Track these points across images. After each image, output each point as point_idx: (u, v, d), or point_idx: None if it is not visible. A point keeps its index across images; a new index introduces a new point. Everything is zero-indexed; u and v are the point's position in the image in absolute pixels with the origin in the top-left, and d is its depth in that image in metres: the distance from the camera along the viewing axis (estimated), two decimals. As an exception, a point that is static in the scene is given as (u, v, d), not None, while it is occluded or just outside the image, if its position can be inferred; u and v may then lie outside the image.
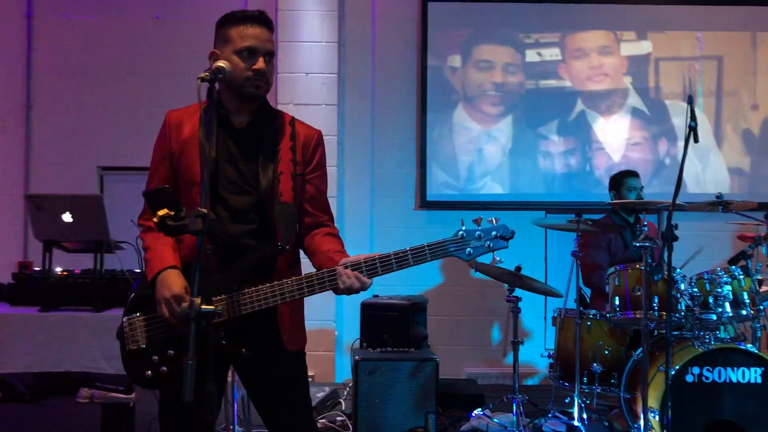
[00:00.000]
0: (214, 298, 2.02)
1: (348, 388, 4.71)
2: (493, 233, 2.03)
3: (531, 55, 5.81)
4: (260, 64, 2.13)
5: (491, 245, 2.03)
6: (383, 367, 3.91)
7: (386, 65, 5.79)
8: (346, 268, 2.06)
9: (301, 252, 2.32)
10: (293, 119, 2.31)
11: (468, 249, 2.03)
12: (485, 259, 2.14)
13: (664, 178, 5.74)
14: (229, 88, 2.17)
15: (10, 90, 5.78)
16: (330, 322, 5.43)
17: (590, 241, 4.53)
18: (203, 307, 1.80)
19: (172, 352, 2.09)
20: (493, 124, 5.79)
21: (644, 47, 5.83)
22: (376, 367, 3.91)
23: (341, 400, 4.68)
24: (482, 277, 4.41)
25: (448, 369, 5.47)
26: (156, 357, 2.09)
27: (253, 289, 2.08)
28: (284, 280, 2.09)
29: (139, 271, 3.64)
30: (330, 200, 5.71)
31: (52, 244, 3.43)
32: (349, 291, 2.06)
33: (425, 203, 5.76)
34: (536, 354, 5.10)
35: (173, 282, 2.06)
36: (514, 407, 3.95)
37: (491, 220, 2.05)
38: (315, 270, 2.14)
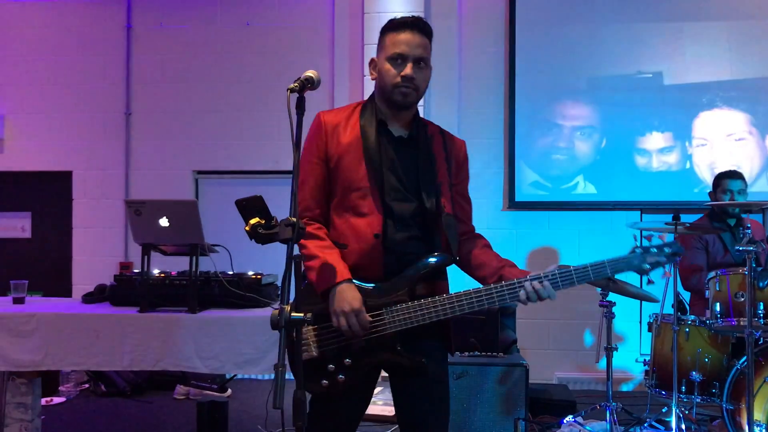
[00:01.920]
0: (390, 308, 2.09)
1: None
2: (667, 250, 2.11)
3: (625, 48, 5.60)
4: (407, 70, 2.12)
5: (665, 261, 2.11)
6: (471, 372, 3.87)
7: (472, 64, 5.73)
8: (533, 280, 2.08)
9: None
10: (442, 129, 2.31)
11: (645, 265, 2.09)
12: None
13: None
14: (382, 96, 2.19)
15: (111, 99, 6.08)
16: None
17: (688, 242, 4.33)
18: (293, 314, 1.82)
19: (349, 361, 2.11)
20: (585, 121, 5.63)
21: (751, 36, 5.52)
22: (465, 371, 3.87)
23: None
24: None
25: (539, 373, 5.38)
26: (332, 366, 2.11)
27: (430, 300, 2.09)
28: (460, 292, 2.10)
29: (232, 273, 3.73)
30: (417, 201, 5.69)
31: (150, 247, 3.54)
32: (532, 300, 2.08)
33: (514, 204, 5.67)
34: (631, 359, 4.93)
35: (352, 296, 2.07)
36: (608, 415, 3.82)
37: (662, 237, 2.27)
38: (480, 283, 2.15)
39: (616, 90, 5.61)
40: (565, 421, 4.10)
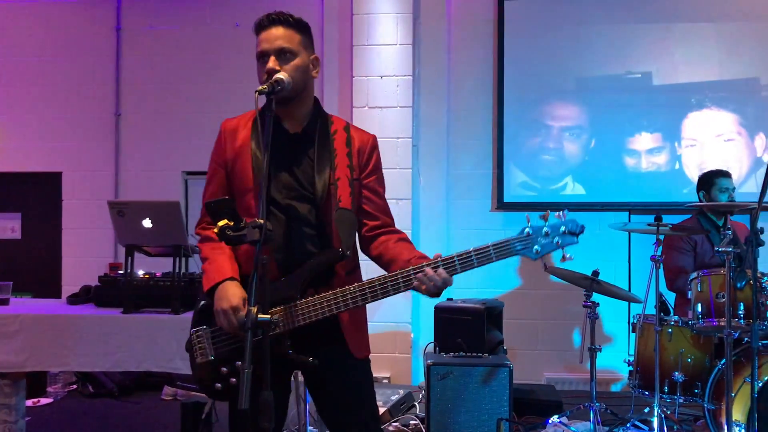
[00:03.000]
0: (276, 308, 2.07)
1: (423, 392, 4.69)
2: (562, 229, 1.93)
3: (614, 49, 5.62)
4: (269, 63, 2.11)
5: (560, 241, 1.94)
6: (455, 372, 3.87)
7: (461, 66, 5.74)
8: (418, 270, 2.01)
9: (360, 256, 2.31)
10: (348, 125, 2.30)
11: (536, 247, 1.94)
12: (556, 256, 2.01)
13: (762, 177, 5.44)
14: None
15: (101, 99, 6.09)
16: (406, 324, 5.43)
17: (674, 243, 4.34)
18: (260, 316, 1.83)
19: (240, 363, 2.06)
20: (574, 122, 5.64)
21: (740, 37, 5.54)
22: (449, 371, 3.87)
23: (416, 404, 4.67)
24: (561, 281, 4.31)
25: (527, 374, 5.39)
26: (225, 369, 2.11)
27: (316, 296, 2.07)
28: (347, 287, 2.07)
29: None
30: (404, 202, 5.73)
31: (134, 248, 3.56)
32: (434, 290, 2.01)
33: (502, 204, 5.68)
34: (619, 360, 4.94)
35: (231, 293, 2.07)
36: (591, 416, 3.83)
37: (559, 215, 1.95)
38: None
39: (605, 91, 5.62)
40: (550, 421, 4.11)
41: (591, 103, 5.63)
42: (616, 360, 5.18)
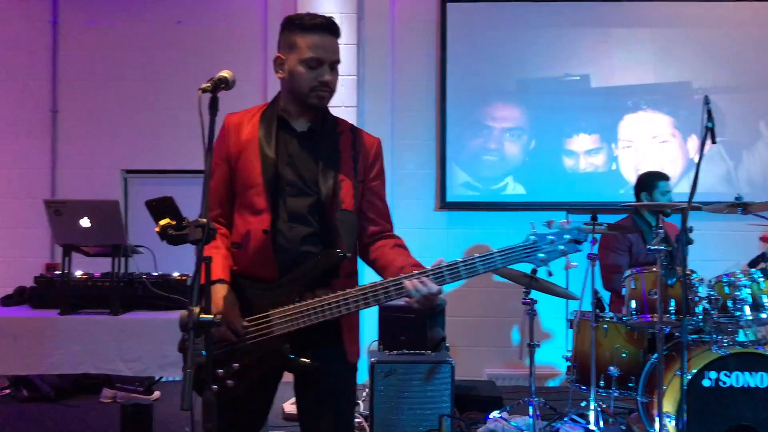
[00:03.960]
0: (275, 309, 2.05)
1: (367, 390, 4.72)
2: (566, 237, 1.94)
3: (553, 53, 5.75)
4: (327, 76, 2.12)
5: (565, 249, 1.95)
6: (398, 370, 3.91)
7: (406, 66, 5.80)
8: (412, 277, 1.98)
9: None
10: (353, 126, 2.30)
11: (540, 255, 1.95)
12: (559, 263, 1.99)
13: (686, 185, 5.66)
14: (292, 95, 2.17)
15: (37, 96, 5.91)
16: (350, 323, 5.44)
17: (610, 243, 4.48)
18: (202, 316, 1.82)
19: (237, 365, 2.06)
20: (515, 123, 5.76)
21: (674, 42, 5.74)
22: (392, 369, 3.92)
23: (359, 402, 4.69)
24: (501, 278, 4.40)
25: (469, 371, 5.48)
26: (221, 371, 2.05)
27: (317, 299, 2.05)
28: (348, 290, 2.04)
29: (156, 274, 3.69)
30: (350, 202, 5.69)
31: (72, 248, 3.49)
32: (426, 301, 1.97)
33: (445, 204, 5.76)
34: (558, 356, 5.07)
35: (217, 297, 2.03)
36: (531, 410, 3.93)
37: (564, 223, 1.95)
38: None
39: (545, 92, 5.75)
40: (490, 416, 4.19)
41: (531, 104, 5.75)
42: (554, 356, 5.31)
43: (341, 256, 2.10)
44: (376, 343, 4.44)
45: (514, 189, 5.75)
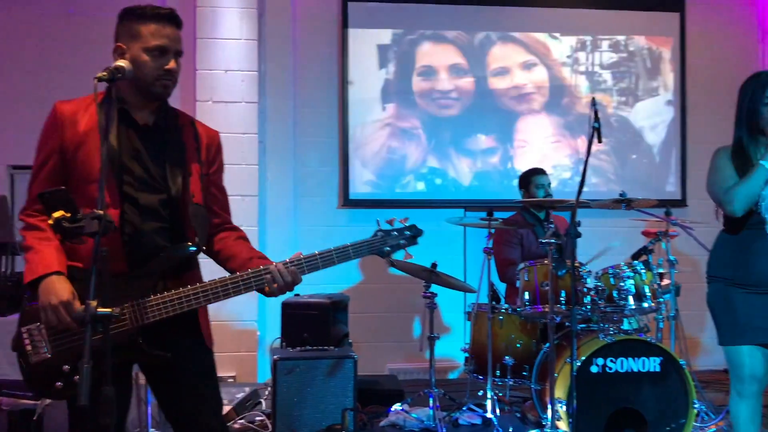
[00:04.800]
0: (127, 303, 2.04)
1: (269, 388, 4.70)
2: (406, 233, 2.25)
3: (452, 55, 5.91)
4: (172, 64, 2.14)
5: (404, 243, 2.25)
6: (301, 366, 3.92)
7: (307, 63, 5.80)
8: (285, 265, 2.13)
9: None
10: (193, 120, 2.31)
11: (386, 248, 2.23)
12: (398, 255, 2.32)
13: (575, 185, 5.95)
14: (134, 85, 2.14)
15: None
16: (252, 322, 5.40)
17: (503, 237, 4.66)
18: (99, 310, 1.78)
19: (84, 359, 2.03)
20: (416, 122, 5.87)
21: (568, 47, 6.02)
22: (295, 366, 3.92)
23: (262, 400, 4.66)
24: (403, 274, 4.49)
25: (372, 366, 5.54)
26: (67, 366, 2.02)
27: (174, 292, 2.08)
28: (206, 282, 2.12)
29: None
30: (251, 199, 5.69)
31: (-46, 246, 3.31)
32: (284, 288, 2.13)
33: (348, 202, 5.80)
34: (457, 348, 5.21)
35: (60, 287, 1.99)
36: (431, 401, 4.03)
37: (403, 221, 2.26)
38: (229, 274, 2.17)
39: (444, 93, 5.89)
40: (392, 409, 4.27)
41: (431, 104, 5.88)
42: (454, 348, 5.45)
43: (195, 250, 2.17)
44: (279, 340, 4.43)
45: (415, 187, 5.86)
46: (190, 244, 2.16)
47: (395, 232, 2.24)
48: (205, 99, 5.34)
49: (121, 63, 2.05)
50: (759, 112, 2.74)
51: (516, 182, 5.74)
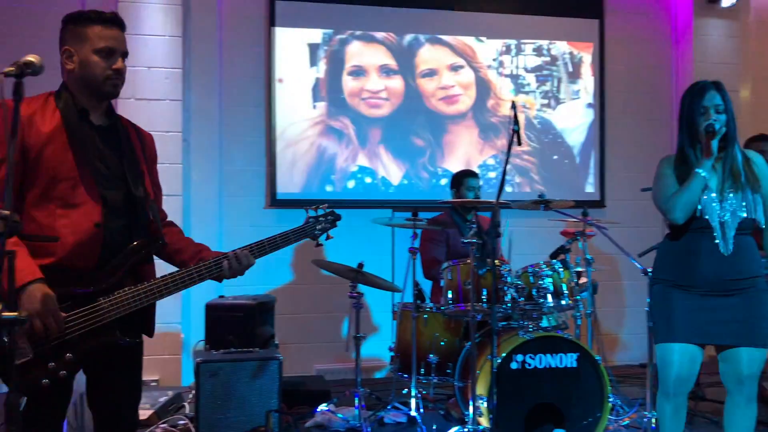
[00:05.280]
0: (101, 298, 2.16)
1: (193, 392, 4.62)
2: (330, 217, 2.59)
3: (381, 55, 5.95)
4: (119, 63, 2.25)
5: (329, 226, 2.58)
6: (226, 369, 3.88)
7: (234, 61, 5.73)
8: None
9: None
10: (131, 122, 2.45)
11: (316, 231, 2.55)
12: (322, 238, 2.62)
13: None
14: (84, 86, 2.24)
15: None
16: (176, 324, 5.30)
17: (430, 236, 4.72)
18: (4, 314, 1.73)
19: (71, 355, 2.11)
20: (348, 121, 5.87)
21: (493, 51, 6.14)
22: (219, 368, 3.87)
23: (185, 404, 4.58)
24: (331, 274, 4.49)
25: (299, 367, 5.53)
26: (53, 363, 2.09)
27: (140, 286, 2.22)
28: (166, 275, 2.27)
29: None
30: (175, 198, 5.59)
31: None
32: (241, 271, 2.35)
33: (275, 202, 5.75)
34: (385, 347, 5.25)
35: (45, 295, 2.06)
36: (356, 401, 4.05)
37: (324, 207, 2.61)
38: (180, 267, 2.34)
39: (375, 93, 5.92)
40: (318, 409, 4.27)
41: (362, 104, 5.90)
42: (381, 348, 5.48)
43: (161, 244, 2.33)
44: (203, 343, 4.36)
45: (345, 186, 5.87)
46: (158, 238, 2.31)
47: (321, 218, 2.56)
48: (127, 96, 5.21)
49: (31, 58, 1.98)
50: (695, 122, 2.83)
51: (445, 182, 5.86)
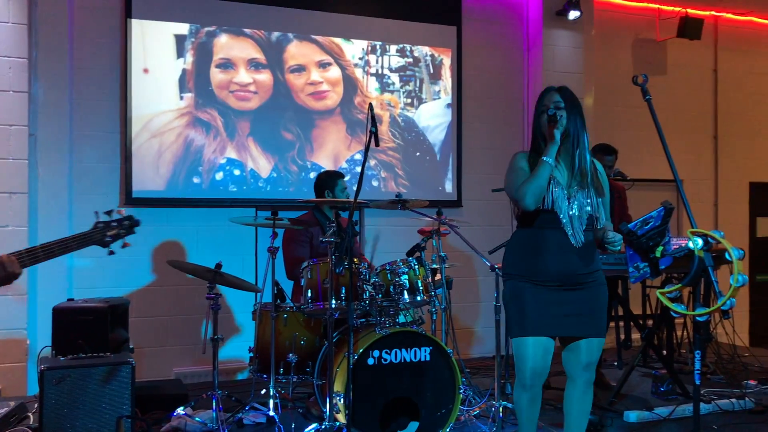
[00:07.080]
0: None
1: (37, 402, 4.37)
2: (125, 223, 2.47)
3: (249, 49, 5.87)
4: None
5: (123, 233, 2.47)
6: (73, 375, 3.69)
7: (86, 53, 5.45)
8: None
9: None
10: None
11: (106, 238, 2.41)
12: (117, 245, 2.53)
13: (366, 180, 6.18)
14: None
15: None
16: (21, 330, 4.97)
17: (293, 236, 4.72)
18: None
19: None
20: (215, 113, 5.75)
21: (360, 49, 6.22)
22: (65, 375, 3.68)
23: (29, 414, 4.32)
24: (188, 276, 4.38)
25: (157, 370, 5.36)
26: None
27: None
28: None
29: None
30: (19, 196, 5.28)
31: None
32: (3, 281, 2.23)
33: (131, 200, 5.53)
34: (245, 349, 5.18)
35: None
36: (214, 403, 3.98)
37: (120, 212, 2.48)
38: None
39: (244, 86, 5.84)
40: (175, 413, 4.16)
41: (230, 96, 5.80)
42: (243, 349, 5.40)
43: None
44: (49, 349, 4.14)
45: (213, 178, 5.74)
46: None
47: (114, 223, 2.43)
48: (-35, 86, 4.85)
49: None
50: (538, 119, 3.02)
51: (313, 175, 5.87)
